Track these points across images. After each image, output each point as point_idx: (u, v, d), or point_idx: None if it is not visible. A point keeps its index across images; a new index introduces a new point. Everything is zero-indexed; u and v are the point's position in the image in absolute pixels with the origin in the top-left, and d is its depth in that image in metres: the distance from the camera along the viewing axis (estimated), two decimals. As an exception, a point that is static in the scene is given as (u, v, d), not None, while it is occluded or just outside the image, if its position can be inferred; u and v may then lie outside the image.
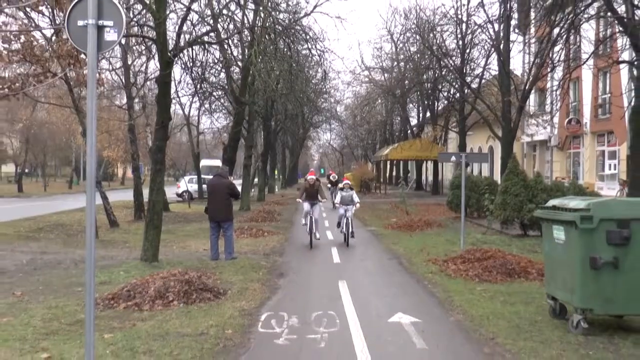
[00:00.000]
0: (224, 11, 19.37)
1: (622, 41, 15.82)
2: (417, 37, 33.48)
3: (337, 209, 16.95)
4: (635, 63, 14.11)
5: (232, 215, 12.76)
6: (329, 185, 31.60)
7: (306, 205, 15.86)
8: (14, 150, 48.13)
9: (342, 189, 15.89)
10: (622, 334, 6.78)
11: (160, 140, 12.41)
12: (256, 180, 36.74)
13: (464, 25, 29.24)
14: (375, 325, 7.30)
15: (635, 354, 6.08)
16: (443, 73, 32.97)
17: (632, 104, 14.17)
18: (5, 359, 5.85)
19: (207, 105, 31.81)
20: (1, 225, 16.68)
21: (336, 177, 32.71)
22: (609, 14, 14.29)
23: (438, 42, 30.26)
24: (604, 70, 23.99)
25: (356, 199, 15.54)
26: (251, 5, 20.63)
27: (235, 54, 24.44)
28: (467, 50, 30.43)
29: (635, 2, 13.07)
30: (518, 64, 28.28)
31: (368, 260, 12.88)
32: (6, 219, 19.47)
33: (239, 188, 28.17)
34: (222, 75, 26.24)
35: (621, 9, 13.77)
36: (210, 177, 15.13)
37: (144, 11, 15.13)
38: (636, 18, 13.17)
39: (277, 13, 21.07)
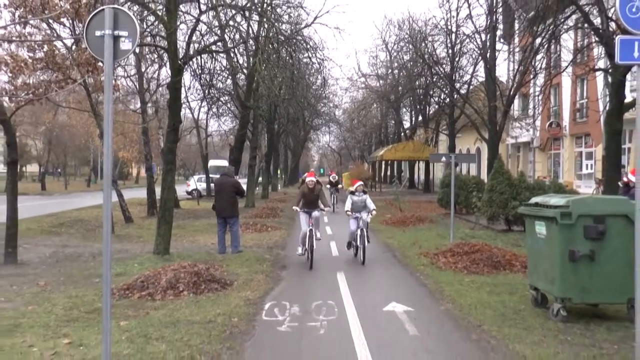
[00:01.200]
0: (231, 22, 19.33)
1: (598, 50, 15.84)
2: (410, 46, 33.42)
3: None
4: (610, 71, 14.12)
5: (237, 212, 12.73)
6: (328, 186, 27.06)
7: (304, 222, 11.54)
8: (38, 151, 48.13)
9: (353, 193, 11.89)
10: (598, 321, 6.79)
11: (172, 142, 12.40)
12: (260, 179, 36.66)
13: (453, 36, 29.20)
14: (371, 314, 7.30)
15: (608, 339, 6.10)
16: (434, 80, 32.89)
17: (607, 108, 14.17)
18: (31, 343, 5.87)
19: (214, 110, 31.80)
20: (26, 221, 16.66)
21: (336, 177, 28.76)
22: (586, 25, 14.28)
23: (429, 51, 30.22)
24: (582, 77, 23.98)
25: (371, 205, 11.76)
26: (256, 17, 20.58)
27: (240, 62, 24.43)
28: (456, 59, 30.38)
29: (610, 15, 13.08)
30: (503, 71, 28.26)
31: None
32: (31, 215, 19.45)
33: (244, 186, 28.33)
34: (229, 81, 26.22)
35: (597, 21, 13.78)
36: (218, 176, 15.09)
37: (156, 22, 15.11)
38: (610, 29, 13.17)
39: (280, 24, 21.03)
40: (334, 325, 6.76)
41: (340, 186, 25.34)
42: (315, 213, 11.65)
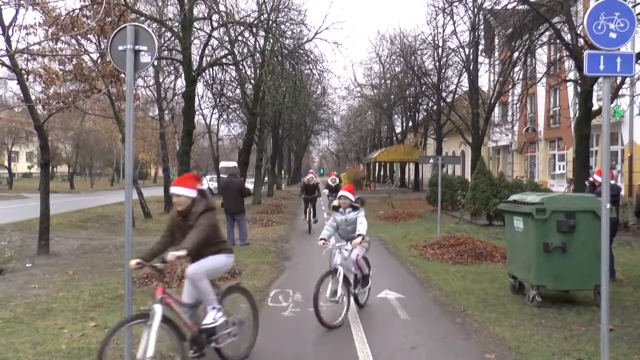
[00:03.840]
0: (239, 38, 19.36)
1: (569, 63, 15.87)
2: (401, 59, 33.48)
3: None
4: (579, 81, 14.16)
5: (244, 208, 12.60)
6: (326, 191, 19.28)
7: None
8: (67, 154, 48.23)
9: (337, 208, 6.90)
10: (569, 305, 6.81)
11: (186, 145, 12.43)
12: (266, 179, 36.64)
13: (440, 50, 29.20)
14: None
15: (578, 322, 6.11)
16: (423, 89, 32.98)
17: (577, 115, 14.20)
18: (62, 325, 5.89)
19: (225, 116, 31.79)
20: (57, 217, 16.68)
21: (336, 180, 19.67)
22: (558, 41, 14.30)
23: (418, 63, 30.25)
24: (555, 87, 24.01)
25: (363, 228, 6.44)
26: (262, 33, 20.58)
27: (248, 73, 24.46)
28: (443, 70, 30.37)
29: (579, 32, 13.12)
30: (485, 81, 28.25)
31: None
32: (61, 211, 19.46)
33: (251, 186, 28.31)
34: (238, 91, 26.21)
35: (568, 37, 13.81)
36: (226, 176, 15.07)
37: (173, 38, 15.14)
38: (579, 45, 13.20)
39: (284, 39, 21.03)
40: (331, 310, 6.76)
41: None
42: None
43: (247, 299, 5.20)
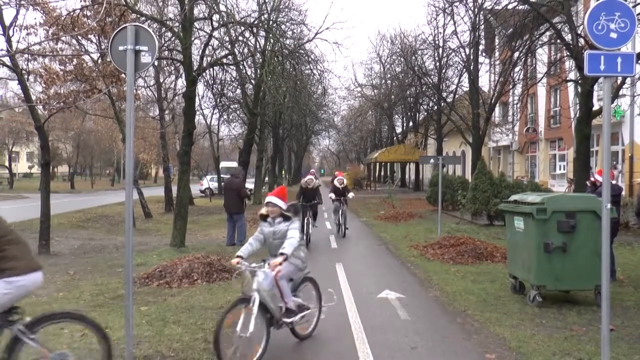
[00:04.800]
0: (240, 38, 19.34)
1: (569, 64, 15.85)
2: (402, 59, 33.48)
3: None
4: (580, 81, 14.14)
5: (242, 209, 12.58)
6: (332, 196, 14.33)
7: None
8: (68, 154, 48.27)
9: (264, 218, 5.52)
10: (569, 305, 6.80)
11: (187, 145, 12.41)
12: (267, 179, 36.64)
13: (440, 50, 29.19)
14: (367, 300, 7.30)
15: (578, 322, 6.11)
16: (423, 89, 32.99)
17: (577, 115, 14.19)
18: (62, 326, 5.85)
19: (225, 116, 31.81)
20: (58, 216, 16.69)
21: (344, 181, 14.88)
22: (558, 41, 14.29)
23: (419, 63, 30.24)
24: (555, 87, 23.97)
25: (290, 245, 5.07)
26: (262, 33, 20.59)
27: (249, 73, 24.47)
28: (443, 71, 30.36)
29: (579, 32, 13.10)
30: (485, 81, 28.24)
31: (360, 246, 12.81)
32: (61, 211, 19.47)
33: (252, 185, 28.31)
34: (238, 91, 26.24)
35: (568, 37, 13.80)
36: (228, 176, 15.07)
37: (173, 38, 15.13)
38: (580, 45, 13.19)
39: (284, 39, 21.02)
40: (333, 310, 6.75)
41: (351, 195, 14.43)
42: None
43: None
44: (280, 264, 4.92)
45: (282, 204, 5.41)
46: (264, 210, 5.48)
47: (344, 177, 15.41)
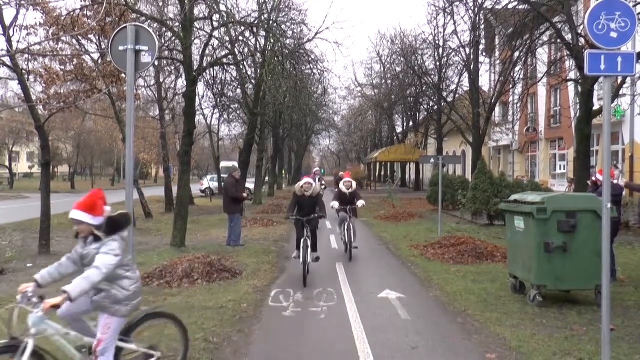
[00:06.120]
0: (240, 38, 19.32)
1: (570, 63, 15.84)
2: (402, 59, 33.45)
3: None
4: (580, 81, 14.14)
5: (234, 210, 12.29)
6: (335, 205, 11.22)
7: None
8: (68, 154, 48.31)
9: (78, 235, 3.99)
10: (570, 305, 6.80)
11: (187, 145, 12.42)
12: (267, 179, 36.64)
13: (440, 49, 29.18)
14: (367, 300, 7.29)
15: (579, 322, 6.11)
16: (423, 89, 32.98)
17: (578, 115, 14.19)
18: (63, 326, 5.87)
19: (225, 116, 31.78)
20: (58, 217, 16.66)
21: (352, 185, 11.41)
22: (559, 40, 14.29)
23: (419, 63, 30.22)
24: (555, 87, 23.96)
25: (86, 278, 3.69)
26: (263, 33, 20.58)
27: (249, 73, 24.43)
28: (443, 70, 30.35)
29: (579, 32, 13.10)
30: (485, 81, 28.23)
31: (361, 245, 12.80)
32: (62, 211, 19.44)
33: (252, 185, 28.29)
34: (238, 91, 26.22)
35: (568, 37, 13.80)
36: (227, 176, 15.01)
37: (174, 38, 15.13)
38: (580, 44, 13.19)
39: (285, 39, 21.01)
40: (333, 310, 6.76)
41: (360, 204, 11.17)
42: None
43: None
44: (59, 305, 3.58)
45: (89, 219, 3.86)
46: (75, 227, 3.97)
47: (350, 177, 11.92)
